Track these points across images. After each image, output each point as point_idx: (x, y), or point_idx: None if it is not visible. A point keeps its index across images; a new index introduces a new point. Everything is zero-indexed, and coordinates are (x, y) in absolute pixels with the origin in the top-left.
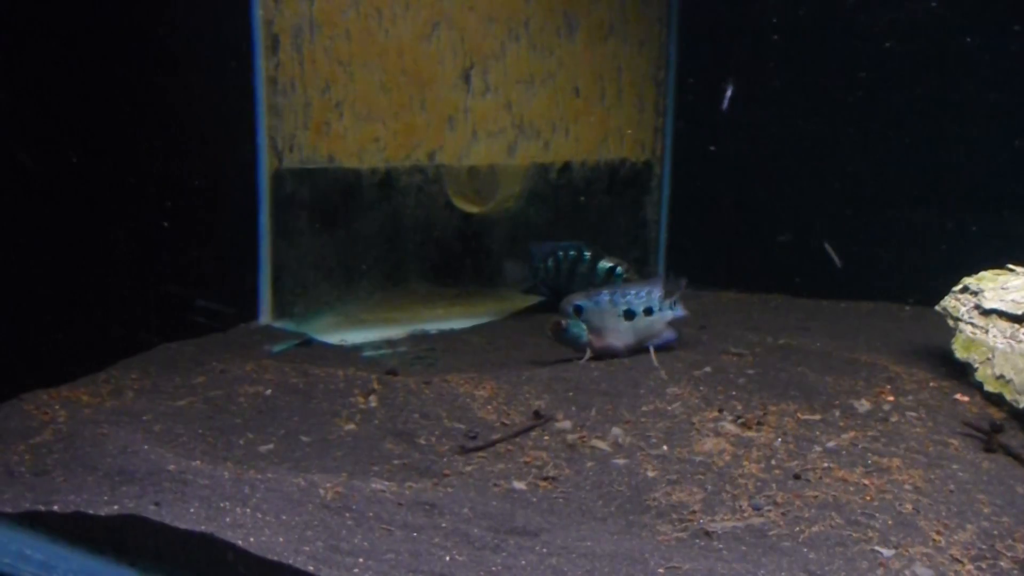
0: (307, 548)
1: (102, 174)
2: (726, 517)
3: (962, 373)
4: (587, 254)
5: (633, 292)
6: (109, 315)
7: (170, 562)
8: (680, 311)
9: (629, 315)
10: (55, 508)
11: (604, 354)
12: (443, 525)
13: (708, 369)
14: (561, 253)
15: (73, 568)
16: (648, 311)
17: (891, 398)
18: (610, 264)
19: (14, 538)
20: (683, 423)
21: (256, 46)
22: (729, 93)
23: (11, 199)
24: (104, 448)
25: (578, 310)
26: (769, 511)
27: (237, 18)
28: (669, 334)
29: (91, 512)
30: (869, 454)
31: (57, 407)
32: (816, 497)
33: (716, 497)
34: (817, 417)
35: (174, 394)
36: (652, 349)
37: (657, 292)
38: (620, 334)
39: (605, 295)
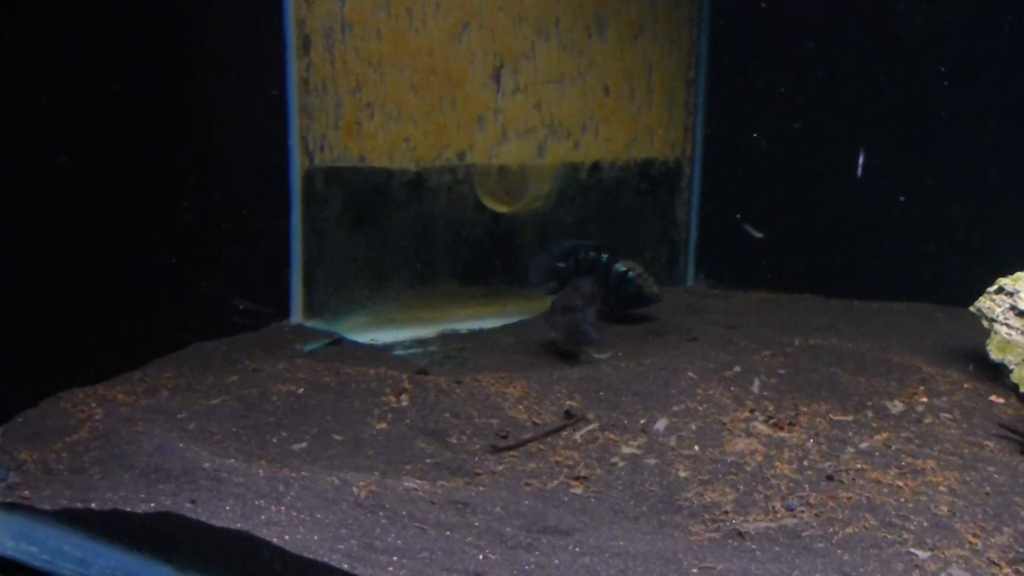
0: (342, 546)
1: (137, 174)
2: (759, 518)
3: (997, 375)
4: (604, 256)
5: (570, 291)
6: (144, 314)
7: (206, 559)
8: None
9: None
10: (93, 505)
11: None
12: (476, 524)
13: (739, 369)
14: (582, 254)
15: (110, 565)
16: (563, 310)
17: (925, 399)
18: (623, 268)
19: (52, 535)
20: (714, 423)
21: (288, 47)
22: (862, 159)
23: (49, 200)
24: (140, 446)
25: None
26: (802, 512)
27: (270, 19)
28: (585, 337)
29: (128, 509)
30: (903, 455)
31: (94, 405)
32: (850, 498)
33: (748, 497)
34: (849, 418)
35: (208, 392)
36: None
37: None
38: (554, 328)
39: (562, 292)
